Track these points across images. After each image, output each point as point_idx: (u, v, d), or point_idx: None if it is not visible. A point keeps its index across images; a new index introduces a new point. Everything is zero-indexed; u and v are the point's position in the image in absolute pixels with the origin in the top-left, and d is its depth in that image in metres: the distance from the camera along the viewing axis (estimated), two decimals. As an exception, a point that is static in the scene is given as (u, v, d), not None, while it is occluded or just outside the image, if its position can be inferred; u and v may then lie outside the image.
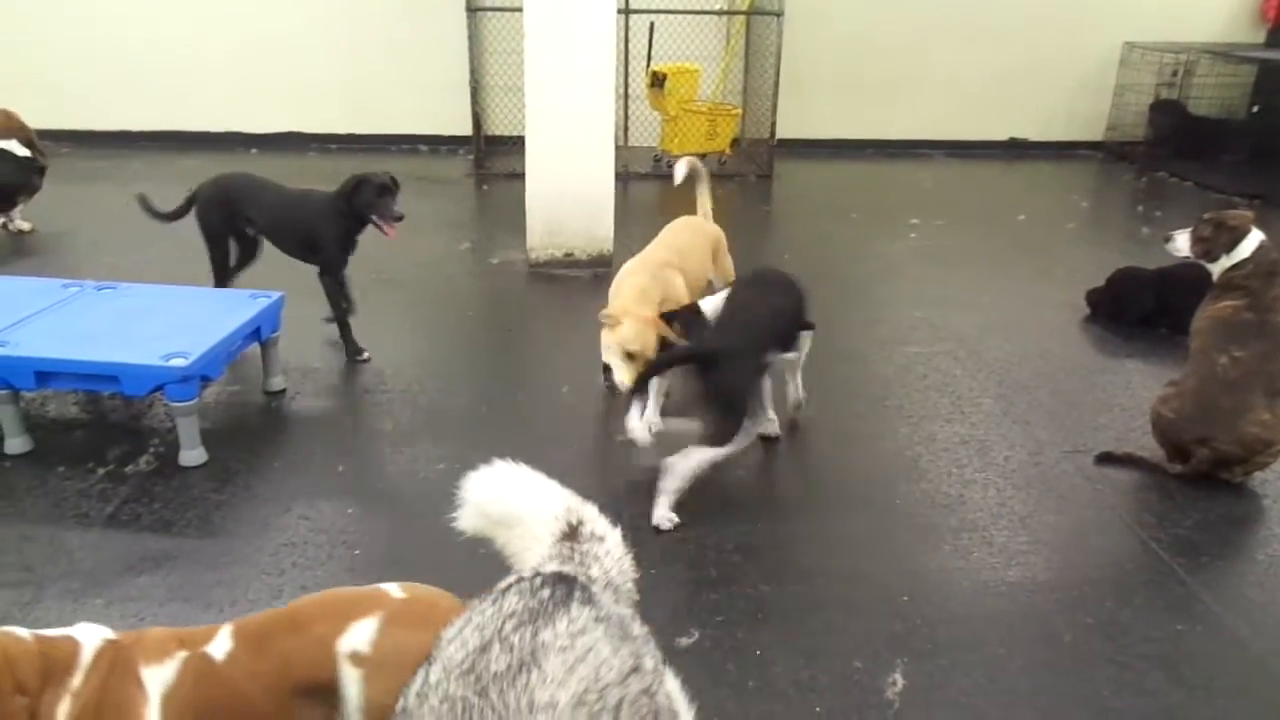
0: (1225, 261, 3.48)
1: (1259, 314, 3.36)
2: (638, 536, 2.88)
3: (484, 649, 1.28)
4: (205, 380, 3.39)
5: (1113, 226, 7.01)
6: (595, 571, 1.56)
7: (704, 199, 4.43)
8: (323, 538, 2.93)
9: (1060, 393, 4.08)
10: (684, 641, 2.56)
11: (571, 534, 1.65)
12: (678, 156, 7.64)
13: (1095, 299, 4.98)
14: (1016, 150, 8.83)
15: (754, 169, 7.79)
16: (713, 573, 2.85)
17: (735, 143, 8.03)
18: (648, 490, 3.12)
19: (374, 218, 4.01)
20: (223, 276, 4.34)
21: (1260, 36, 8.61)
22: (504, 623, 1.32)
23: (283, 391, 3.86)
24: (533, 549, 1.68)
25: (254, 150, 8.01)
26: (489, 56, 7.67)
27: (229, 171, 4.37)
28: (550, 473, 1.78)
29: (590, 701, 1.25)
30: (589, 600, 1.40)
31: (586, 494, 1.75)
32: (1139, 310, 4.78)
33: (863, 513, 3.23)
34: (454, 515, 1.80)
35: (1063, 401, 4.01)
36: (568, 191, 5.25)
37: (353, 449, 3.48)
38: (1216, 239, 3.51)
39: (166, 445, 3.40)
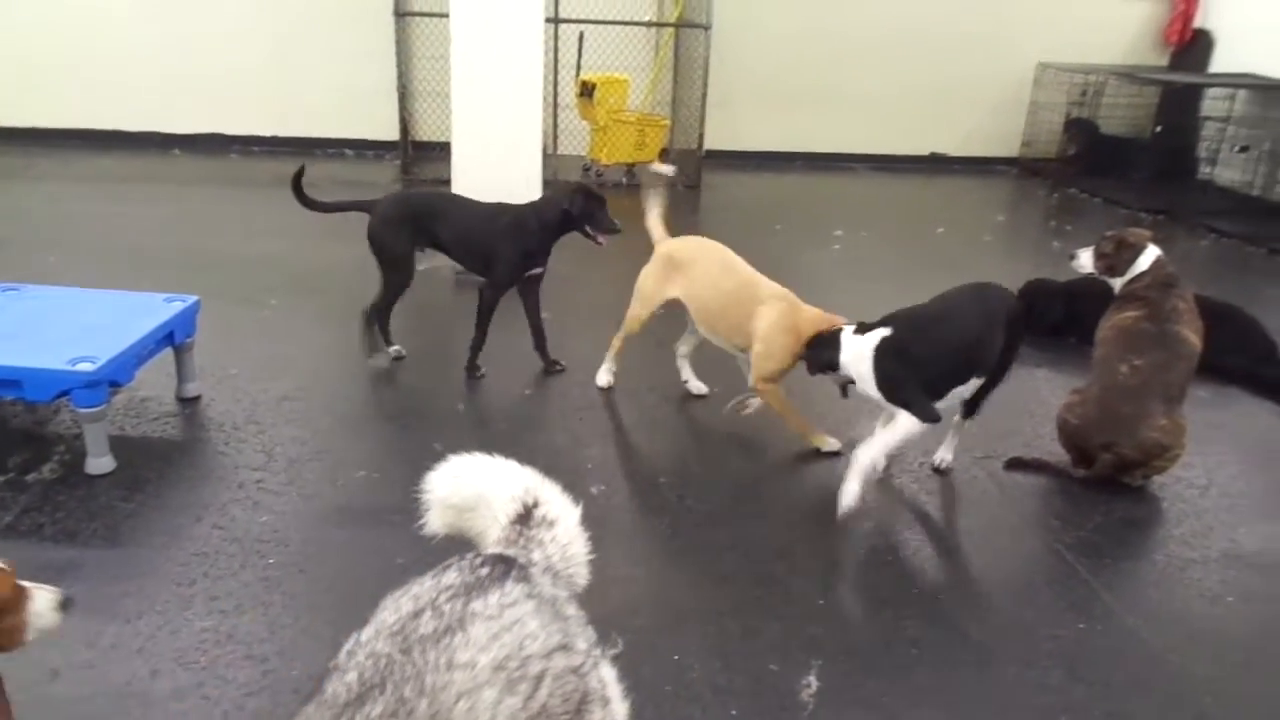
0: (1126, 275, 3.64)
1: (1157, 324, 3.51)
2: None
3: (416, 614, 1.35)
4: (115, 386, 3.29)
5: (1026, 240, 7.24)
6: (537, 555, 1.61)
7: (655, 213, 4.14)
8: (235, 547, 2.87)
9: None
10: (609, 652, 2.56)
11: (524, 517, 1.70)
12: (607, 166, 7.78)
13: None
14: (937, 165, 9.07)
15: (682, 179, 7.86)
16: (631, 577, 2.87)
17: (664, 153, 8.10)
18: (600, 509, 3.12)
19: (588, 228, 3.99)
20: (392, 299, 4.20)
21: (1164, 59, 8.99)
22: (439, 594, 1.39)
23: (197, 398, 3.77)
24: (492, 530, 1.73)
25: (175, 151, 7.82)
26: (417, 61, 7.61)
27: (414, 190, 4.30)
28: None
29: (510, 668, 1.31)
30: (524, 579, 1.46)
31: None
32: (1049, 320, 4.94)
33: (782, 519, 3.29)
34: (411, 518, 1.81)
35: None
36: (495, 198, 5.23)
37: (270, 457, 3.41)
38: (1118, 255, 3.66)
39: (73, 453, 3.30)
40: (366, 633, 1.35)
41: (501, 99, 5.04)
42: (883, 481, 3.52)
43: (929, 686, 2.50)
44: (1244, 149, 7.74)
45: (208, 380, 3.87)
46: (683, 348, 4.12)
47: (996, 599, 2.92)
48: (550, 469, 3.32)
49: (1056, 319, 4.93)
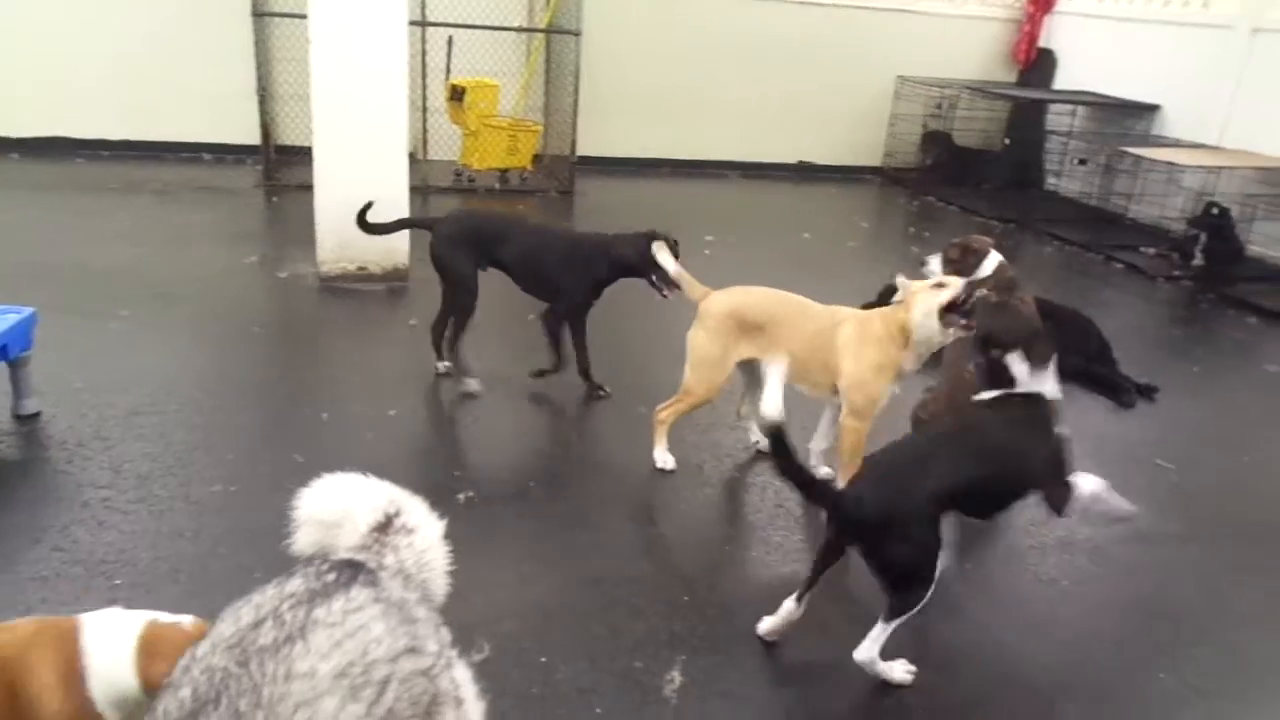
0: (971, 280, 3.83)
1: (1000, 326, 3.71)
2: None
3: (256, 625, 1.32)
4: (-58, 402, 3.09)
5: (888, 246, 7.54)
6: (389, 560, 1.59)
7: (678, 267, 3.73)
8: (79, 569, 2.73)
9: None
10: (475, 657, 2.55)
11: (384, 526, 1.68)
12: (479, 171, 7.73)
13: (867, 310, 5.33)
14: (805, 173, 9.34)
15: (555, 185, 7.87)
16: (500, 581, 2.86)
17: (537, 159, 8.09)
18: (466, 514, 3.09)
19: (654, 278, 3.79)
20: (462, 321, 4.07)
21: (1013, 76, 9.51)
22: (282, 602, 1.36)
23: (36, 415, 3.56)
24: (351, 542, 1.69)
25: (14, 156, 7.36)
26: (278, 63, 7.38)
27: (478, 209, 4.12)
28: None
29: (354, 674, 1.29)
30: (372, 584, 1.45)
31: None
32: (906, 323, 5.15)
33: (648, 519, 3.34)
34: (271, 532, 1.77)
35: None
36: (359, 203, 5.10)
37: (117, 474, 3.25)
38: (964, 261, 3.86)
39: (-106, 474, 3.08)
40: (202, 647, 1.32)
41: (364, 102, 4.94)
42: (744, 480, 3.62)
43: (790, 675, 2.59)
44: (1083, 161, 8.26)
45: (48, 396, 3.66)
46: (745, 407, 3.83)
47: (855, 590, 3.04)
48: (417, 477, 3.34)
49: (913, 322, 5.14)
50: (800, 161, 9.35)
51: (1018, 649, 2.79)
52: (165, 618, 1.86)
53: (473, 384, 4.08)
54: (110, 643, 1.81)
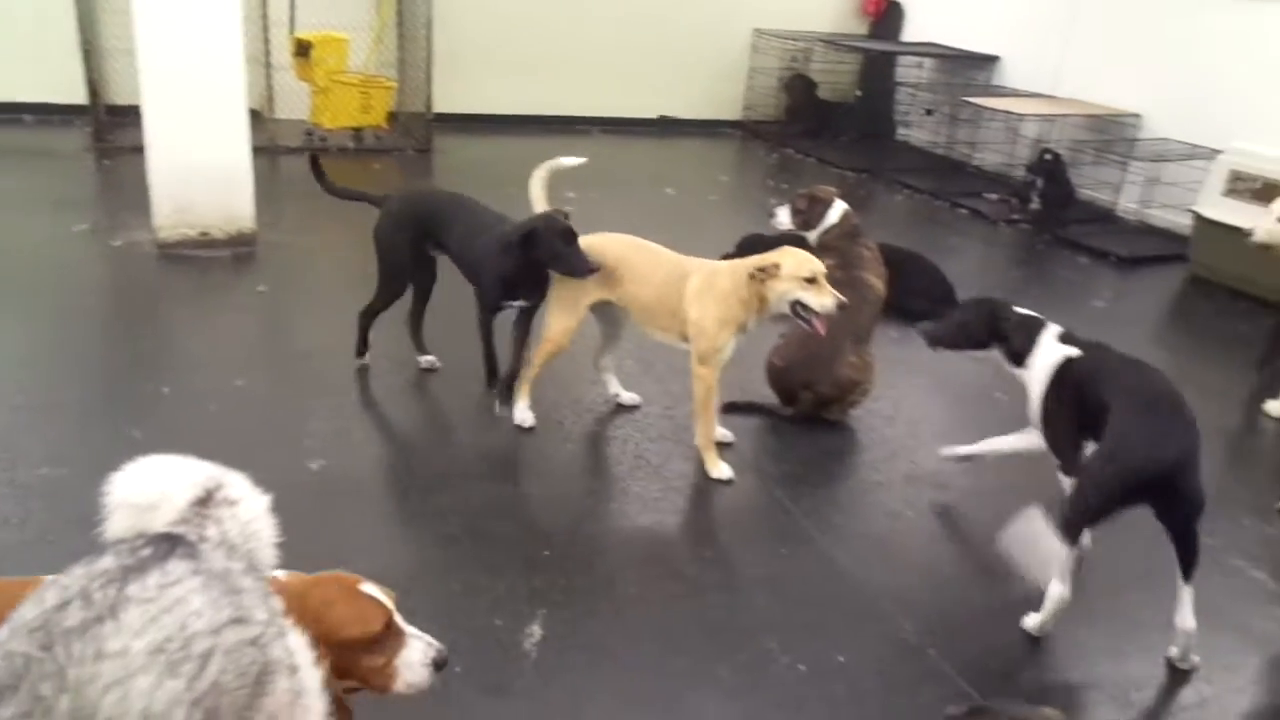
0: (819, 228, 3.95)
1: (847, 271, 3.83)
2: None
3: (62, 606, 1.25)
4: None
5: (748, 198, 7.65)
6: (211, 531, 1.53)
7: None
8: (-112, 563, 2.55)
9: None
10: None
11: (205, 500, 1.61)
12: (331, 130, 7.44)
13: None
14: (666, 127, 9.36)
15: (412, 143, 7.66)
16: (352, 545, 2.81)
17: (392, 117, 7.84)
18: (319, 482, 3.01)
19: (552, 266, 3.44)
20: (377, 306, 3.75)
21: (865, 29, 9.73)
22: (91, 581, 1.28)
23: None
24: (170, 519, 1.60)
25: None
26: (104, 16, 6.87)
27: (427, 189, 3.76)
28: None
29: (171, 650, 1.24)
30: (190, 555, 1.39)
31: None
32: (763, 273, 5.26)
33: (508, 478, 3.33)
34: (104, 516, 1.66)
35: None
36: (197, 165, 4.88)
37: (-69, 459, 3.03)
38: (811, 210, 3.96)
39: None
40: (2, 634, 1.24)
41: (196, 57, 4.66)
42: (604, 433, 3.65)
43: (644, 622, 2.64)
44: (929, 112, 8.55)
45: None
46: (605, 359, 3.82)
47: (710, 534, 3.12)
48: (267, 447, 3.24)
49: (769, 271, 5.25)
50: (661, 116, 9.36)
51: (864, 578, 2.92)
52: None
53: (426, 360, 3.92)
54: None
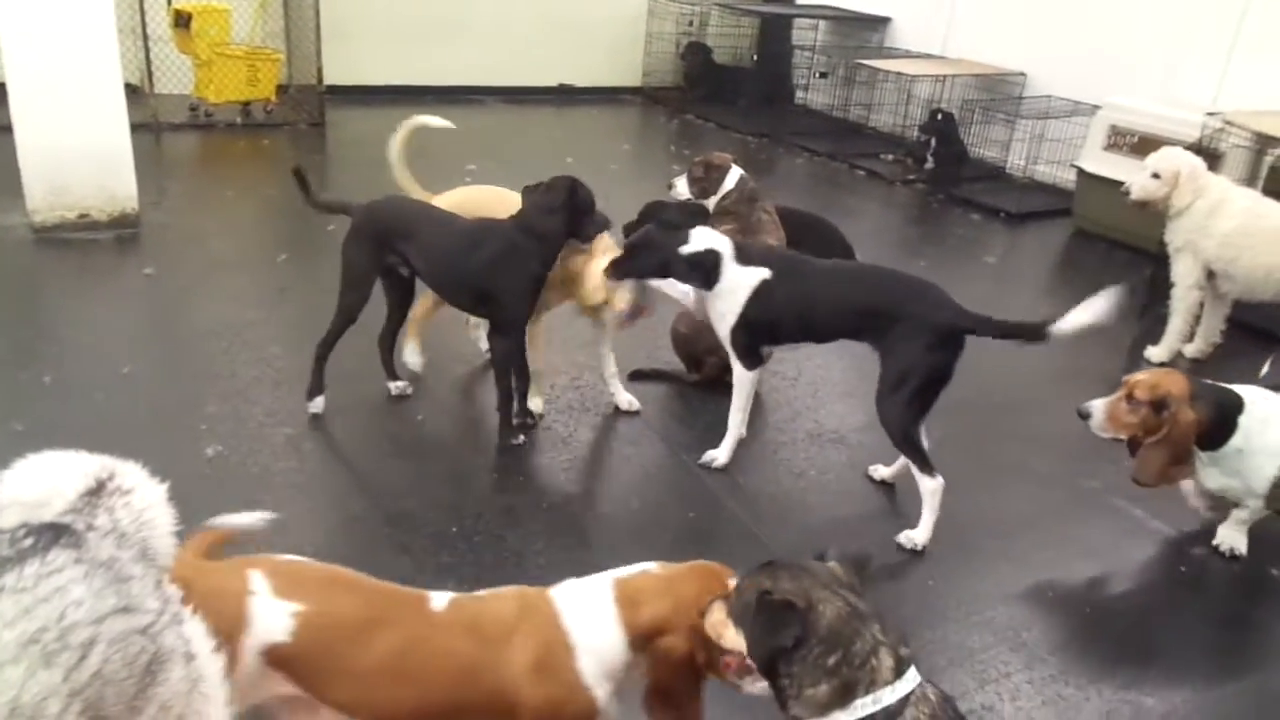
0: (717, 195, 3.98)
1: (746, 236, 3.87)
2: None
3: None
4: None
5: (650, 166, 7.65)
6: (102, 520, 1.48)
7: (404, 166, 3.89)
8: None
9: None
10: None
11: (96, 490, 1.55)
12: (217, 105, 7.16)
13: (629, 231, 5.42)
14: (566, 96, 9.27)
15: (304, 117, 7.42)
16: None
17: (282, 90, 7.59)
18: (214, 469, 2.91)
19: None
20: (339, 325, 3.31)
21: (760, -8, 9.78)
22: None
23: None
24: (60, 509, 1.54)
25: None
26: (-39, -13, 6.48)
27: (392, 197, 3.37)
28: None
29: (46, 640, 1.22)
30: (74, 545, 1.35)
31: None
32: (666, 240, 5.28)
33: (411, 453, 3.29)
34: None
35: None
36: (71, 144, 4.64)
37: None
38: (708, 178, 3.98)
39: None
40: None
41: (64, 30, 4.41)
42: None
43: (556, 592, 2.65)
44: (823, 75, 8.66)
45: None
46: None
47: (620, 501, 3.15)
48: (158, 435, 3.13)
49: (672, 238, 5.27)
50: (560, 84, 9.27)
51: (771, 536, 2.99)
52: (624, 571, 1.86)
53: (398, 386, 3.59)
54: (590, 610, 1.77)
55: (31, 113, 4.54)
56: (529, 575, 2.69)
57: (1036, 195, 6.86)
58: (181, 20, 6.83)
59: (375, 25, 8.17)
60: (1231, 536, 3.07)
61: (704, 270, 3.08)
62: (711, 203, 4.01)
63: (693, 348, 3.85)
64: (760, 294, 3.03)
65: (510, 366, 3.30)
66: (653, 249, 3.14)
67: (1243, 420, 2.83)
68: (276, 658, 1.72)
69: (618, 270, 3.14)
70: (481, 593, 1.89)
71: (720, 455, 3.30)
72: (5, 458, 1.74)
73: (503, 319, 3.23)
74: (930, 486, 2.93)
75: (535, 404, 3.53)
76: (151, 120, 6.72)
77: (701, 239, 3.11)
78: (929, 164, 7.18)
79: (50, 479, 1.64)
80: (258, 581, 1.75)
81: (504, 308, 3.19)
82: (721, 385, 3.83)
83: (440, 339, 3.95)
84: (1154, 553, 3.14)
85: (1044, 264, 6.10)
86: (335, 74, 7.53)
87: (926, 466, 2.92)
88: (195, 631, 1.53)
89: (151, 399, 3.46)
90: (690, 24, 9.21)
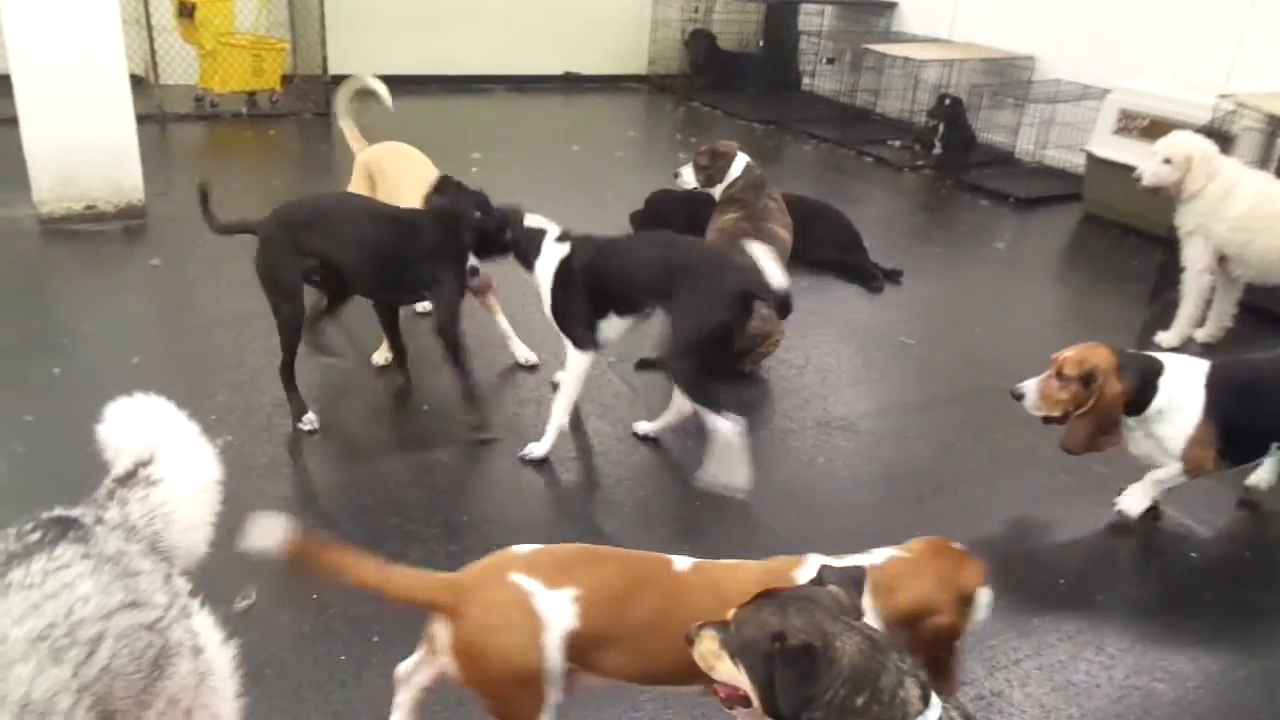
0: (723, 183, 3.96)
1: (753, 222, 3.86)
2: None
3: None
4: None
5: (656, 153, 7.62)
6: (112, 514, 1.49)
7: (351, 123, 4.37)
8: None
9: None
10: (242, 604, 2.47)
11: (128, 476, 1.57)
12: (222, 95, 7.15)
13: (637, 220, 5.40)
14: (571, 84, 9.25)
15: (310, 107, 7.41)
16: (265, 527, 2.76)
17: (287, 80, 7.58)
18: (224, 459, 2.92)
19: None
20: (288, 342, 3.21)
21: (766, -22, 9.71)
22: None
23: None
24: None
25: None
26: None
27: (301, 198, 3.28)
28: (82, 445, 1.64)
29: (55, 636, 1.22)
30: (82, 540, 1.36)
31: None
32: (673, 227, 5.25)
33: (422, 444, 3.29)
34: None
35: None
36: (78, 136, 4.65)
37: None
38: (714, 166, 3.97)
39: None
40: None
41: (68, 21, 4.41)
42: (519, 394, 3.63)
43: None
44: (830, 60, 8.62)
45: None
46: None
47: (628, 492, 3.14)
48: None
49: (680, 226, 5.23)
50: (566, 72, 9.24)
51: (780, 525, 2.98)
52: (873, 557, 1.88)
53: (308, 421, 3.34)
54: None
55: (37, 104, 4.55)
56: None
57: (1046, 180, 6.82)
58: (185, 10, 6.83)
59: (380, 14, 8.15)
60: (1132, 498, 3.10)
61: (527, 248, 3.22)
62: (718, 190, 4.00)
63: (700, 335, 3.84)
64: (560, 273, 3.14)
65: (463, 344, 3.30)
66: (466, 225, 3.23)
67: (1162, 382, 2.88)
68: (570, 644, 1.74)
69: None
70: (721, 561, 1.92)
71: (538, 449, 3.20)
72: (15, 449, 1.77)
73: (451, 300, 3.24)
74: (724, 428, 2.97)
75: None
76: (157, 111, 6.72)
77: (530, 219, 3.26)
78: (937, 150, 7.14)
79: (137, 429, 1.65)
80: (526, 581, 1.76)
81: (450, 288, 3.22)
82: (730, 373, 3.84)
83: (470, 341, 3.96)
84: (1164, 539, 3.13)
85: (1054, 249, 6.07)
86: (340, 63, 7.50)
87: (719, 412, 2.98)
88: (204, 625, 1.53)
89: (161, 389, 3.41)
90: (696, 10, 9.17)
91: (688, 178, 4.06)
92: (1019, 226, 6.28)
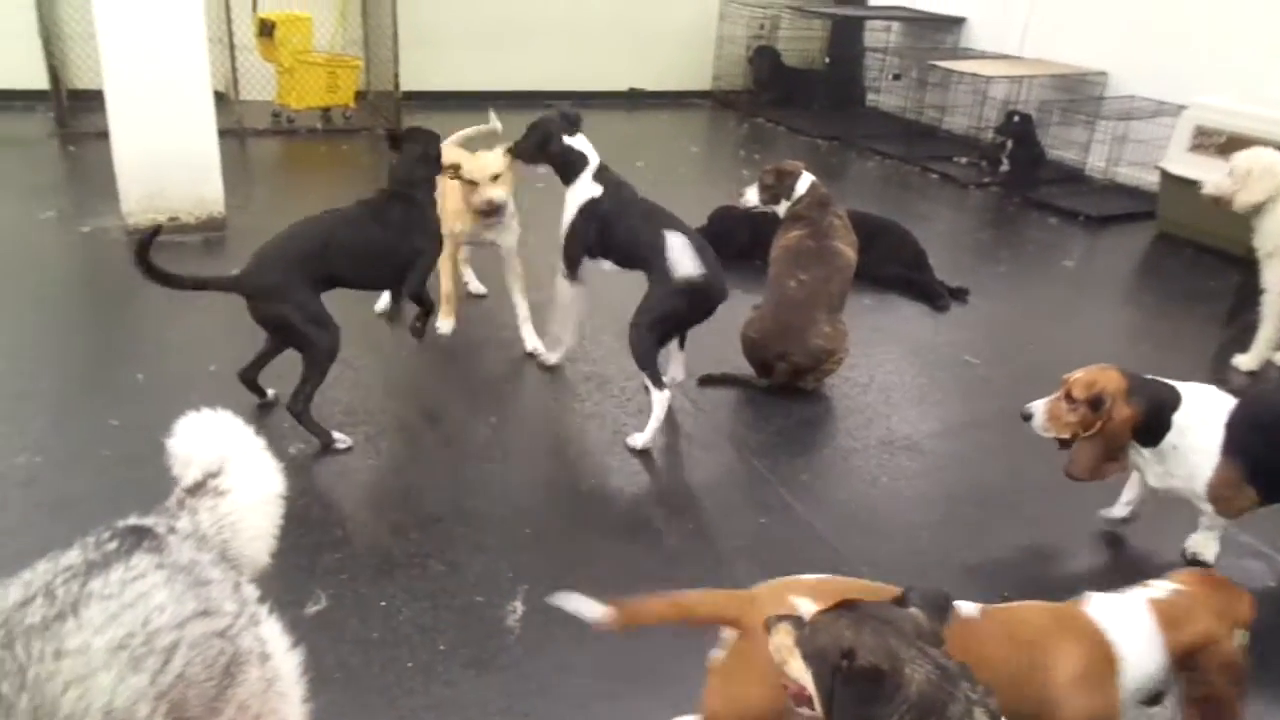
0: (787, 201, 3.98)
1: (817, 241, 3.86)
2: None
3: (24, 603, 1.26)
4: None
5: (719, 170, 7.65)
6: (184, 523, 1.54)
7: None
8: None
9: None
10: (312, 609, 2.53)
11: (197, 486, 1.63)
12: (298, 111, 7.36)
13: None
14: (636, 100, 9.32)
15: (381, 122, 7.58)
16: (336, 533, 2.83)
17: (360, 96, 7.77)
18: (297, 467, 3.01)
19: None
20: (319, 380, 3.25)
21: (832, -6, 9.70)
22: (55, 577, 1.30)
23: None
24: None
25: None
26: (64, 0, 6.78)
27: (287, 233, 3.27)
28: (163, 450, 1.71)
29: (134, 645, 1.26)
30: (156, 549, 1.40)
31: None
32: (736, 245, 5.27)
33: (488, 455, 3.34)
34: (87, 503, 1.67)
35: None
36: (163, 150, 4.82)
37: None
38: (780, 185, 3.98)
39: None
40: None
41: (157, 39, 4.60)
42: (582, 408, 3.67)
43: (625, 594, 2.66)
44: (896, 77, 8.56)
45: None
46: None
47: (692, 506, 3.16)
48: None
49: (743, 243, 5.27)
50: (631, 89, 9.31)
51: (842, 544, 2.97)
52: (1152, 591, 1.88)
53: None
54: (1131, 626, 1.78)
55: (128, 120, 4.74)
56: (601, 578, 2.73)
57: (1118, 198, 6.69)
58: (266, 29, 7.04)
59: (451, 32, 8.31)
60: (1198, 542, 2.98)
61: (569, 166, 3.63)
62: (782, 208, 4.01)
63: (763, 353, 3.84)
64: (586, 209, 3.56)
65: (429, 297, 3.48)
66: (545, 129, 3.64)
67: (1177, 418, 2.76)
68: None
69: (517, 149, 3.71)
70: (1007, 605, 1.95)
71: (552, 356, 3.88)
72: (103, 452, 1.83)
73: (427, 269, 3.44)
74: (657, 398, 3.36)
75: (446, 326, 4.03)
76: (237, 126, 6.94)
77: (582, 143, 3.67)
78: (1004, 167, 7.05)
79: (205, 442, 1.71)
80: (807, 606, 1.77)
81: (428, 257, 3.44)
82: (793, 390, 3.84)
83: (513, 347, 4.03)
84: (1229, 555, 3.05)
85: (1125, 268, 5.94)
86: (411, 80, 7.68)
87: (658, 384, 3.37)
88: (272, 632, 1.55)
89: (237, 396, 3.56)
90: (761, 28, 9.18)
91: (752, 198, 4.08)
92: (1089, 245, 6.17)
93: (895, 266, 5.03)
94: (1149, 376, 2.86)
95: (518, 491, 3.14)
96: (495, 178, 3.72)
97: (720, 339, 4.28)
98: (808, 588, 1.86)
